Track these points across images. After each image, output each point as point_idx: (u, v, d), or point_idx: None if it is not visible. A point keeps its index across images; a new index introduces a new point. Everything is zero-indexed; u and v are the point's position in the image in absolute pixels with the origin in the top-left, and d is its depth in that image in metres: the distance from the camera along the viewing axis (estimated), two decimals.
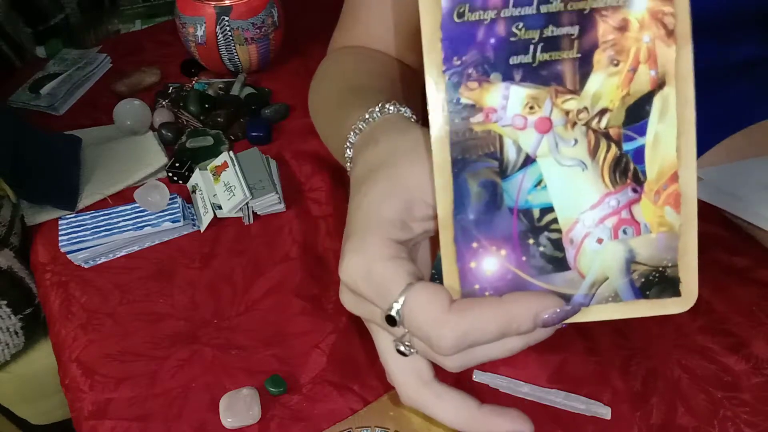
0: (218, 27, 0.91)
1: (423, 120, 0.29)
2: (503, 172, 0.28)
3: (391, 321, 0.28)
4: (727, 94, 0.68)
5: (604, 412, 0.51)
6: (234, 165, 0.74)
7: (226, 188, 0.73)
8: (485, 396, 0.53)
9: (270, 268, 0.68)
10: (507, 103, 0.28)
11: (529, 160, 0.28)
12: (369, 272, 0.28)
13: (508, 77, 0.27)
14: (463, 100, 0.28)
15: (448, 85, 0.28)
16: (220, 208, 0.73)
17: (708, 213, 0.68)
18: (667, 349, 0.56)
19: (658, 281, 0.28)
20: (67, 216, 0.73)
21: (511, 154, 0.28)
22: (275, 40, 0.96)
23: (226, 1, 0.90)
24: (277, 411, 0.54)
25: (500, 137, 0.28)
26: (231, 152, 0.76)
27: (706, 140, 0.68)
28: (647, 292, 0.28)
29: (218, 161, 0.76)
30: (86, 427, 0.55)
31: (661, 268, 0.28)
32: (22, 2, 1.09)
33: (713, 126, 0.68)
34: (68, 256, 0.69)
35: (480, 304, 0.27)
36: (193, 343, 0.61)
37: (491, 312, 0.27)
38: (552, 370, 0.55)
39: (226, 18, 0.90)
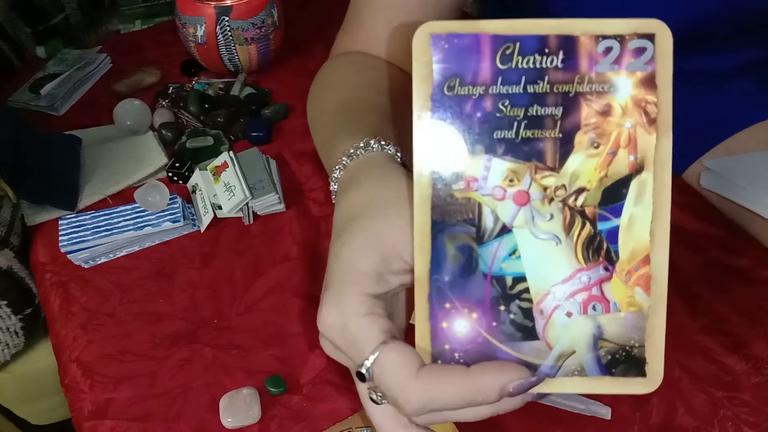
0: (218, 27, 0.91)
1: (410, 134, 0.30)
2: (480, 239, 0.29)
3: (360, 377, 0.29)
4: (727, 95, 0.68)
5: (604, 412, 0.51)
6: (234, 165, 0.74)
7: (226, 188, 0.73)
8: None
9: (270, 268, 0.68)
10: (488, 174, 0.29)
11: (505, 230, 0.29)
12: (344, 327, 0.29)
13: (491, 150, 0.29)
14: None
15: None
16: (220, 208, 0.73)
17: (708, 213, 0.68)
18: (666, 350, 0.56)
19: (624, 360, 0.29)
20: (67, 216, 0.73)
21: (488, 222, 0.29)
22: (275, 40, 0.96)
23: (227, 1, 0.90)
24: (277, 411, 0.54)
25: (479, 205, 0.29)
26: (231, 152, 0.76)
27: (706, 140, 0.68)
28: (613, 370, 0.29)
29: (218, 161, 0.76)
30: (86, 427, 0.55)
31: (628, 347, 0.29)
32: (22, 2, 1.08)
33: (713, 126, 0.68)
34: (68, 256, 0.69)
35: (447, 374, 0.28)
36: (193, 343, 0.61)
37: (458, 382, 0.28)
38: None
39: (226, 18, 0.90)
